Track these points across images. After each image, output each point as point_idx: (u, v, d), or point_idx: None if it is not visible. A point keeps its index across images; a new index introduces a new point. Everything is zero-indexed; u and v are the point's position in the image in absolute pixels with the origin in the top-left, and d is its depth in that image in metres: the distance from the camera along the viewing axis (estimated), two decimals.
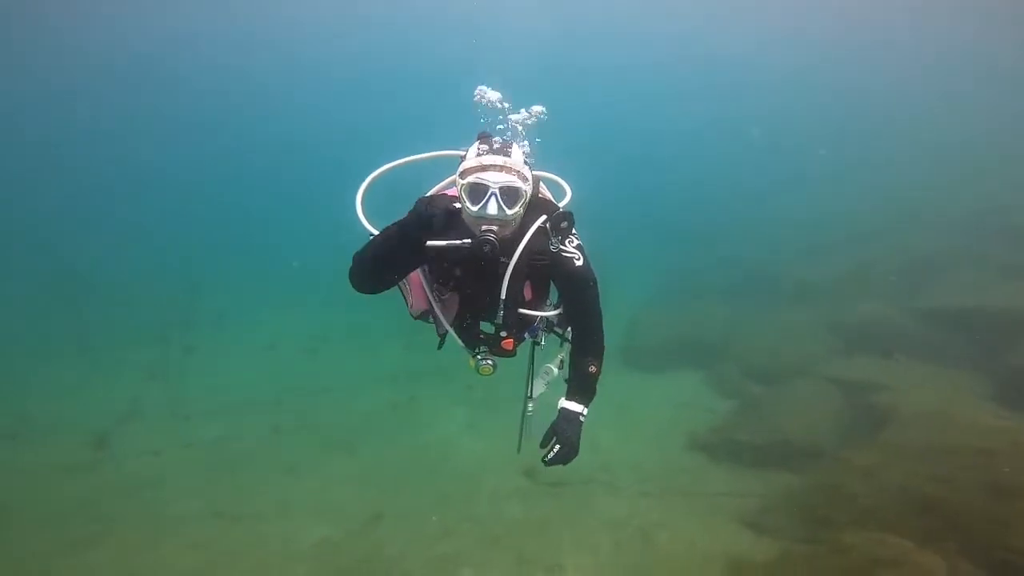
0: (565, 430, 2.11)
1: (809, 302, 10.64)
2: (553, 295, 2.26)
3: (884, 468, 5.47)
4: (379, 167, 2.35)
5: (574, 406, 2.17)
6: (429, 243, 1.92)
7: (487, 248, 1.84)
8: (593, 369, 2.16)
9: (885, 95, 25.16)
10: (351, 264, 2.04)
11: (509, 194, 1.88)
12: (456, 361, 2.37)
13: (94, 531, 5.96)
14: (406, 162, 2.38)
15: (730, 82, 30.41)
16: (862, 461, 5.77)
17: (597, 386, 2.20)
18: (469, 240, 1.89)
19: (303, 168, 24.74)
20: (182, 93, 26.22)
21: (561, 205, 2.23)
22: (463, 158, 1.98)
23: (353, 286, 2.10)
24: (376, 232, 2.06)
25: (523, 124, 2.51)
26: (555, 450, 2.08)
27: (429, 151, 2.38)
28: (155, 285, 12.93)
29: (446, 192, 2.19)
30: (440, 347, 2.37)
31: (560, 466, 2.12)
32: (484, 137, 2.03)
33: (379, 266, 2.03)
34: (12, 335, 10.54)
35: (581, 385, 2.19)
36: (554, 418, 2.17)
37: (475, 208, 1.87)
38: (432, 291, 2.18)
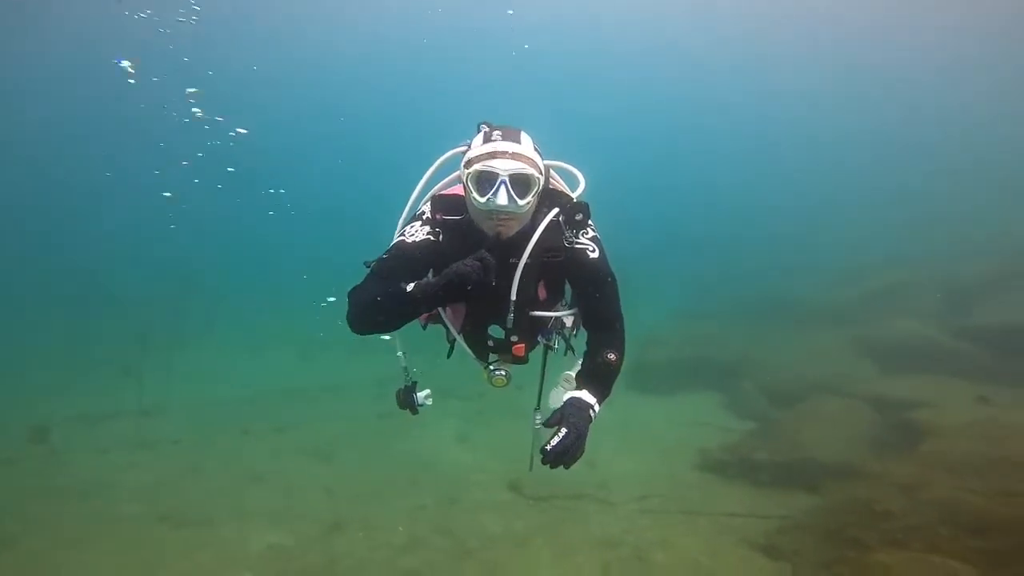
0: (572, 415, 1.69)
1: (835, 322, 9.87)
2: (567, 295, 2.04)
3: (928, 483, 4.60)
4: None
5: (585, 396, 1.77)
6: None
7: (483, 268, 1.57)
8: (612, 358, 1.82)
9: (939, 118, 23.81)
10: (351, 309, 1.77)
11: (520, 182, 1.72)
12: (455, 373, 2.20)
13: (7, 532, 5.34)
14: (421, 187, 2.10)
15: (761, 92, 28.69)
16: (900, 476, 4.90)
17: (614, 383, 1.84)
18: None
19: (302, 171, 24.21)
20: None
21: (575, 195, 2.00)
22: (468, 148, 1.84)
23: (353, 330, 1.81)
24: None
25: None
26: (560, 435, 1.62)
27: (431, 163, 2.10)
28: (146, 284, 12.71)
29: (452, 191, 1.99)
30: (449, 356, 2.15)
31: (561, 467, 1.63)
32: (488, 125, 1.87)
33: (395, 321, 1.79)
34: None
35: (594, 376, 1.83)
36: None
37: (483, 199, 1.71)
38: None
